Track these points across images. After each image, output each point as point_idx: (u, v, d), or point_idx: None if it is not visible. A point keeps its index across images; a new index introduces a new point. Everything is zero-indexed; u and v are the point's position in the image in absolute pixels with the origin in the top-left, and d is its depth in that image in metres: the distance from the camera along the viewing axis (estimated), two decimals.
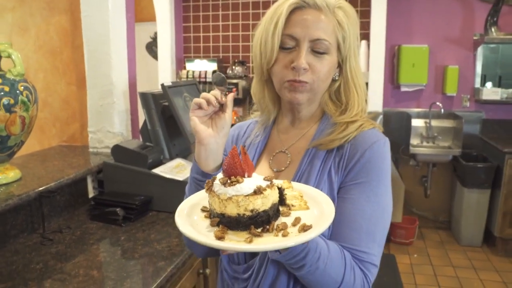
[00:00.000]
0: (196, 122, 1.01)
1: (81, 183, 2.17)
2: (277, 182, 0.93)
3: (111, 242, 1.81)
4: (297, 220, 0.84)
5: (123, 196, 2.08)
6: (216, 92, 1.00)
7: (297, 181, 1.04)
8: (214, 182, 0.86)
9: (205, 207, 0.92)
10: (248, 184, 0.82)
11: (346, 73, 1.09)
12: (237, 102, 4.79)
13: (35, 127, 2.42)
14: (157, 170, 2.11)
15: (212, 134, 1.03)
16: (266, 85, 1.14)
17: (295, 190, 0.94)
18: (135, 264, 1.60)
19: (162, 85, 2.27)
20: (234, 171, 0.84)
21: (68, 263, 1.60)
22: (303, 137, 1.13)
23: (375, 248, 0.99)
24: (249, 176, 0.85)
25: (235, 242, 0.78)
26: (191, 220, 0.87)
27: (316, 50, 1.02)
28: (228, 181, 0.83)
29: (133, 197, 2.05)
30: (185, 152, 2.46)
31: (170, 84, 2.35)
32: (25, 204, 1.82)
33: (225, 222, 0.83)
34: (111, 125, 2.50)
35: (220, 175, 0.87)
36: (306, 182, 1.02)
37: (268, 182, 0.85)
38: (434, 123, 4.54)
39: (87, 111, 2.51)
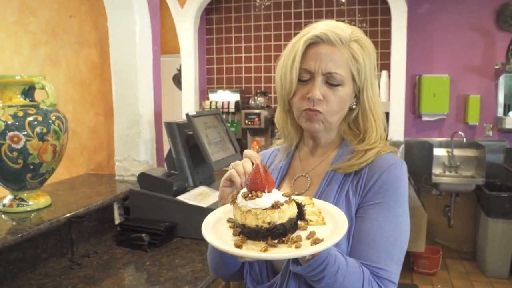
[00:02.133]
0: (225, 195, 1.08)
1: (107, 209, 2.24)
2: (300, 199, 0.99)
3: (137, 266, 1.86)
4: (311, 234, 0.89)
5: (148, 222, 2.14)
6: (247, 165, 1.06)
7: None
8: (238, 195, 0.93)
9: (231, 218, 0.99)
10: (266, 199, 0.89)
11: (364, 102, 1.14)
12: (259, 132, 4.86)
13: (65, 156, 2.53)
14: (182, 197, 2.16)
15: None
16: (289, 114, 1.21)
17: (316, 207, 1.00)
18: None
19: (187, 114, 2.35)
20: (255, 186, 0.91)
21: (96, 286, 1.65)
22: (323, 161, 1.19)
23: (393, 266, 1.02)
24: (269, 191, 0.92)
25: (251, 250, 0.85)
26: (216, 230, 0.94)
27: (330, 82, 1.09)
28: (249, 195, 0.90)
29: (158, 223, 2.10)
30: (209, 180, 2.51)
31: (195, 113, 2.43)
32: (55, 229, 1.89)
33: (246, 232, 0.89)
34: (137, 154, 2.57)
35: (244, 189, 0.95)
36: None
37: (287, 198, 0.92)
38: (457, 152, 4.52)
39: (114, 140, 2.60)
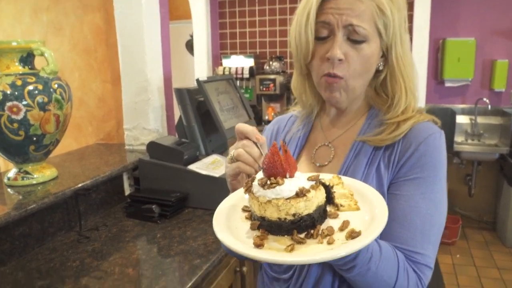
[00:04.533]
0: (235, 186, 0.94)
1: (117, 180, 2.15)
2: (326, 178, 0.85)
3: (147, 239, 1.78)
4: (345, 224, 0.76)
5: (159, 193, 2.05)
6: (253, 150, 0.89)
7: None
8: (253, 183, 0.79)
9: (246, 206, 0.86)
10: (289, 186, 0.74)
11: (392, 62, 0.99)
12: (274, 98, 4.72)
13: (72, 125, 2.43)
14: (193, 167, 2.07)
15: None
16: (307, 79, 1.07)
17: (345, 187, 0.86)
18: (171, 262, 1.56)
19: (197, 79, 2.23)
20: (274, 170, 0.76)
21: (104, 261, 1.58)
22: (348, 131, 1.06)
23: (430, 249, 0.91)
24: (291, 176, 0.77)
25: (275, 252, 0.71)
26: (231, 223, 0.81)
27: (353, 39, 0.92)
28: (268, 183, 0.75)
29: (169, 194, 2.01)
30: (221, 148, 2.41)
31: (206, 79, 2.31)
32: (62, 202, 1.81)
33: (266, 226, 0.76)
34: (146, 122, 2.47)
35: (260, 174, 0.80)
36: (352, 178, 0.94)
37: (313, 183, 0.78)
38: (480, 120, 4.34)
39: (122, 108, 2.50)
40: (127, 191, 2.21)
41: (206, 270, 1.51)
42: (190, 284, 1.42)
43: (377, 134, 0.98)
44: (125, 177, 2.20)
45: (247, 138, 0.88)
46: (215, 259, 1.58)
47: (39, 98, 1.70)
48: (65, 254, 1.64)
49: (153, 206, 1.92)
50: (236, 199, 0.88)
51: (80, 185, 1.86)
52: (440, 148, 0.95)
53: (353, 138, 1.02)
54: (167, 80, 2.60)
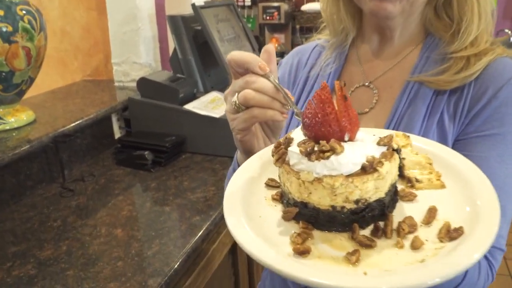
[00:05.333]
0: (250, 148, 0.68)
1: (105, 123, 1.91)
2: (384, 134, 0.55)
3: (139, 191, 1.57)
4: (431, 213, 0.50)
5: (152, 137, 1.82)
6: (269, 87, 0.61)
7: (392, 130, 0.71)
8: (289, 149, 0.52)
9: (272, 180, 0.59)
10: (351, 156, 0.48)
11: None
12: (278, 28, 4.38)
13: (56, 60, 2.16)
14: (190, 106, 1.83)
15: (262, 144, 0.69)
16: None
17: (419, 152, 0.59)
18: (165, 221, 1.35)
19: (193, 5, 1.93)
20: (324, 129, 0.49)
21: (89, 219, 1.37)
22: (397, 66, 0.79)
23: (504, 228, 0.68)
24: (351, 138, 0.50)
25: (332, 267, 0.44)
26: (251, 208, 0.54)
27: None
28: (316, 151, 0.48)
29: (163, 138, 1.78)
30: (222, 83, 2.16)
31: (203, 4, 2.01)
32: (40, 150, 1.57)
33: (309, 216, 0.50)
34: (137, 55, 2.21)
35: (298, 133, 0.53)
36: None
37: (384, 149, 0.51)
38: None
39: (110, 40, 2.21)
40: (117, 134, 1.97)
41: (206, 230, 1.30)
42: (188, 247, 1.21)
43: (439, 72, 0.72)
44: (114, 118, 1.95)
45: (247, 71, 0.61)
46: (216, 216, 1.37)
47: (2, 27, 1.42)
48: (45, 211, 1.43)
49: (146, 153, 1.69)
50: (255, 168, 0.61)
51: (60, 130, 1.62)
52: None
53: (405, 77, 0.76)
54: (159, 6, 2.31)
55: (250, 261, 1.68)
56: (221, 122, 1.73)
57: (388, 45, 0.81)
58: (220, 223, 1.39)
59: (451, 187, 0.54)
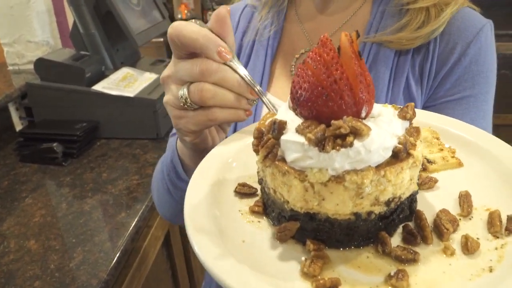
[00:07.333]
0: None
1: (1, 114, 1.67)
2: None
3: (51, 191, 1.38)
4: (467, 201, 0.39)
5: (60, 125, 1.63)
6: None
7: None
8: (283, 138, 0.37)
9: (243, 185, 0.45)
10: (379, 139, 0.34)
11: None
12: None
13: None
14: (99, 87, 1.66)
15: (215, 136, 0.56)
16: None
17: (425, 126, 0.47)
18: (86, 223, 1.18)
19: None
20: (334, 104, 0.35)
21: None
22: (347, 24, 0.68)
23: None
24: (367, 114, 0.37)
25: None
26: (227, 228, 0.40)
27: None
28: (329, 137, 0.34)
29: (73, 125, 1.61)
30: (133, 58, 1.98)
31: None
32: None
33: (316, 232, 0.37)
34: (31, 33, 1.97)
35: (286, 114, 0.39)
36: None
37: (407, 124, 0.38)
38: None
39: None
40: (18, 126, 1.75)
41: (135, 227, 1.16)
42: (116, 250, 1.06)
43: (398, 29, 0.62)
44: (12, 108, 1.72)
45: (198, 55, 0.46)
46: (144, 209, 1.22)
47: None
48: None
49: (54, 144, 1.51)
50: (216, 171, 0.47)
51: None
52: (493, 50, 0.62)
53: (360, 37, 0.65)
54: None
55: (186, 249, 1.56)
56: (137, 101, 1.58)
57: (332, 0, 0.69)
58: (149, 217, 1.25)
59: (469, 162, 0.44)
